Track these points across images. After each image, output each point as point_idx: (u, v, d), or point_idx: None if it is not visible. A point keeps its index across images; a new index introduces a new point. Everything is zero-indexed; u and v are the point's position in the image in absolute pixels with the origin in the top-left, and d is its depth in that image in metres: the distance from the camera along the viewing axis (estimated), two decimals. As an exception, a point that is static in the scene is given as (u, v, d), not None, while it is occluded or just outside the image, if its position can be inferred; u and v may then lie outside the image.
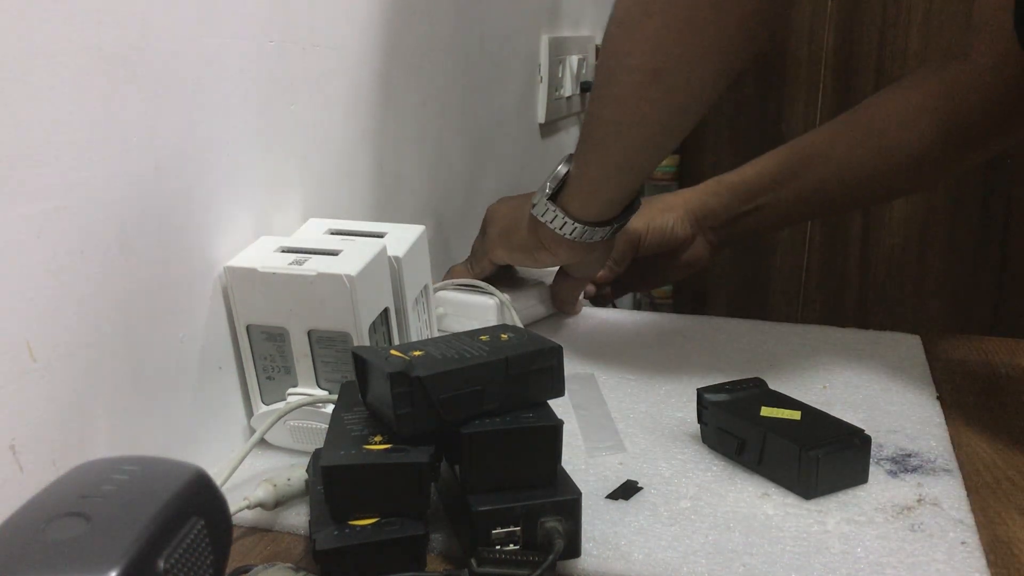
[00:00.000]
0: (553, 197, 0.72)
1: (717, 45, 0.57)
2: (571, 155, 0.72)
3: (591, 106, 0.66)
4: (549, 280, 0.87)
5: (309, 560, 0.46)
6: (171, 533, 0.34)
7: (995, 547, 0.48)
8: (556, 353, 0.49)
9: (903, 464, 0.57)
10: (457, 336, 0.51)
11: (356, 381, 0.50)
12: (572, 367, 0.73)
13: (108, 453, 0.42)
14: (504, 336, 0.50)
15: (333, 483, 0.44)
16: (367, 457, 0.44)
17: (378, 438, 0.46)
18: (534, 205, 0.72)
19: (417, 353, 0.48)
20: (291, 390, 0.58)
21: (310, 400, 0.57)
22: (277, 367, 0.59)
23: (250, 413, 0.60)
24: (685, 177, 1.90)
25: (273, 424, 0.55)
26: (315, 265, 0.56)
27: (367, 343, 0.57)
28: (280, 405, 0.58)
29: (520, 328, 0.53)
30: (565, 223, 0.71)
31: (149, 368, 0.52)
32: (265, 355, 0.59)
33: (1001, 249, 1.85)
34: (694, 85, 0.60)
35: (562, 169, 0.72)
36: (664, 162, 1.88)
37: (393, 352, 0.48)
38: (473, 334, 0.51)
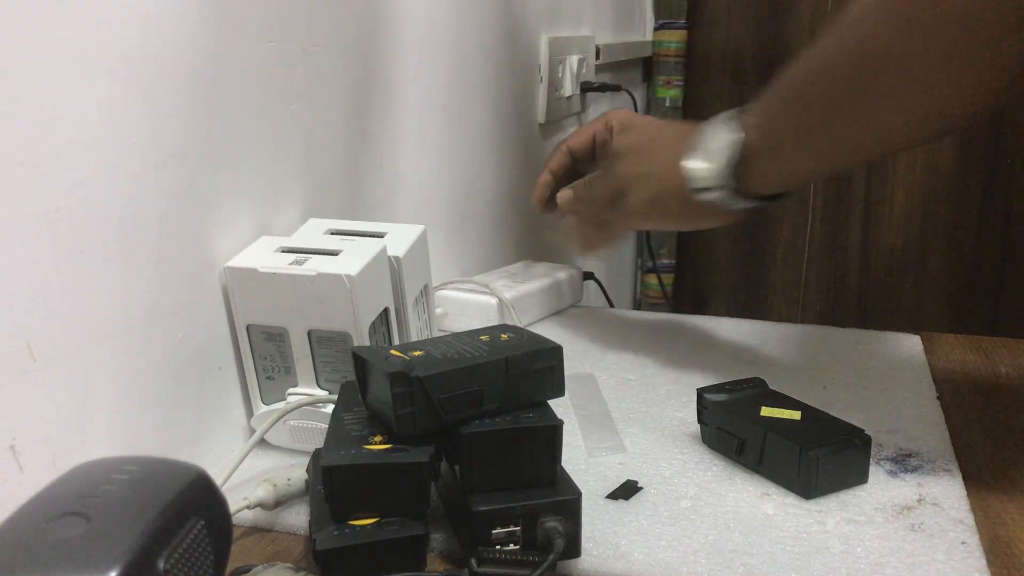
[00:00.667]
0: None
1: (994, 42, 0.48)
2: (735, 118, 0.63)
3: (805, 86, 0.58)
4: (547, 280, 0.87)
5: (309, 560, 0.46)
6: (171, 533, 0.34)
7: (995, 547, 0.48)
8: (556, 353, 0.49)
9: (903, 464, 0.57)
10: (457, 336, 0.51)
11: (356, 381, 0.50)
12: (572, 367, 0.73)
13: (108, 453, 0.42)
14: (504, 336, 0.50)
15: (333, 483, 0.44)
16: (367, 457, 0.44)
17: (378, 438, 0.46)
18: (702, 189, 0.63)
19: (417, 353, 0.48)
20: (291, 390, 0.58)
21: (310, 400, 0.57)
22: (277, 367, 0.59)
23: (250, 413, 0.60)
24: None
25: (273, 424, 0.55)
26: (315, 265, 0.56)
27: (367, 343, 0.57)
28: (280, 405, 0.58)
29: (520, 328, 0.53)
30: (737, 201, 0.63)
31: (149, 368, 0.52)
32: (265, 355, 0.59)
33: (1001, 249, 1.85)
34: (973, 86, 0.50)
35: (727, 139, 0.62)
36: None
37: (393, 352, 0.48)
38: (473, 334, 0.51)
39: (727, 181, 0.63)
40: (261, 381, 0.59)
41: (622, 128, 0.76)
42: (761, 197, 0.64)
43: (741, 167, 0.62)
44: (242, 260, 0.57)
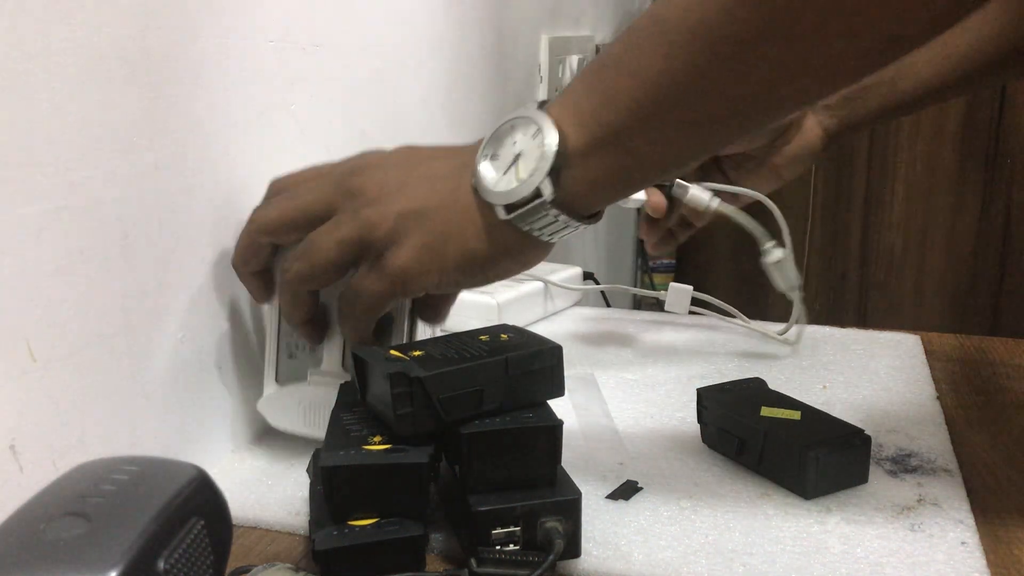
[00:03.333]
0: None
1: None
2: (540, 112, 0.49)
3: (659, 60, 0.44)
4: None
5: (309, 560, 0.46)
6: (171, 533, 0.34)
7: (995, 547, 0.48)
8: (556, 353, 0.49)
9: (903, 464, 0.57)
10: (457, 336, 0.51)
11: (355, 381, 0.50)
12: (572, 367, 0.73)
13: (108, 453, 0.42)
14: (504, 336, 0.50)
15: (333, 483, 0.44)
16: (367, 457, 0.44)
17: (377, 438, 0.46)
18: (515, 210, 0.48)
19: (417, 353, 0.47)
20: (312, 370, 0.58)
21: None
22: (301, 345, 0.58)
23: (252, 412, 0.60)
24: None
25: None
26: None
27: (405, 322, 0.56)
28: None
29: (520, 328, 0.53)
30: (560, 223, 0.49)
31: (149, 368, 0.52)
32: (291, 331, 0.58)
33: (1001, 249, 1.85)
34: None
35: (546, 144, 0.47)
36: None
37: (393, 352, 0.48)
38: (473, 334, 0.51)
39: (546, 189, 0.47)
40: (281, 359, 0.59)
41: (351, 169, 0.53)
42: (593, 215, 0.50)
43: (561, 170, 0.47)
44: None
